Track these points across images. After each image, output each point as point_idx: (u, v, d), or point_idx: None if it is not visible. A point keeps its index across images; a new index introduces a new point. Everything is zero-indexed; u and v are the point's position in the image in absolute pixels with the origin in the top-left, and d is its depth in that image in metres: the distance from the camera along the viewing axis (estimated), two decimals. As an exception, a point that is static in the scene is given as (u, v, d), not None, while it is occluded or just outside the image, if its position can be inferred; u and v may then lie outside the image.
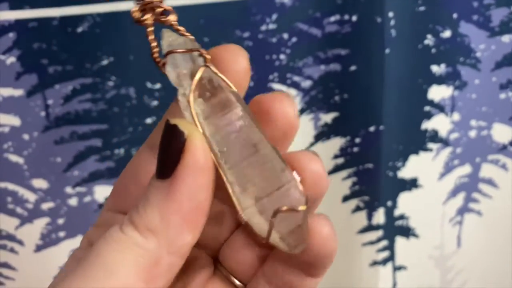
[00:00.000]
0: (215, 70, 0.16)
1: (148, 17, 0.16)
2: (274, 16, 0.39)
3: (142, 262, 0.14)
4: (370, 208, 0.45)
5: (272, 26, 0.39)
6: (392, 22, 0.40)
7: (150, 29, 0.17)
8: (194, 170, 0.15)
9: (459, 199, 0.48)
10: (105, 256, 0.14)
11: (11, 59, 0.37)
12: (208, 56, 0.16)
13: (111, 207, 0.18)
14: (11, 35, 0.36)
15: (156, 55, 0.17)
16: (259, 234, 0.16)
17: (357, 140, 0.43)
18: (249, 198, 0.16)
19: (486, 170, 0.47)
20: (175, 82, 0.16)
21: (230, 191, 0.16)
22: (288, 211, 0.16)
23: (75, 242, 0.41)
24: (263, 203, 0.16)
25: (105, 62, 0.37)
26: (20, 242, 0.40)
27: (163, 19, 0.17)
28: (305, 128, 0.44)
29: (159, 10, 0.16)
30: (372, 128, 0.43)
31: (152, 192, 0.15)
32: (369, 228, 0.45)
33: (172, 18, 0.17)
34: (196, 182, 0.15)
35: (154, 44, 0.17)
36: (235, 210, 0.16)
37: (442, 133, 0.45)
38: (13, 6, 0.35)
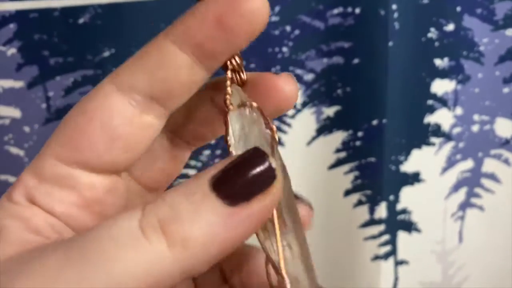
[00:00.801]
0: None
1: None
2: (277, 8, 0.39)
3: (155, 275, 0.12)
4: (372, 203, 0.45)
5: (274, 19, 0.39)
6: (396, 15, 0.40)
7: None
8: (264, 212, 0.13)
9: (461, 194, 0.47)
10: (110, 262, 0.12)
11: (11, 50, 0.36)
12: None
13: (63, 157, 0.15)
14: (12, 26, 0.36)
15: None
16: None
17: (360, 134, 0.43)
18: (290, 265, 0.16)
19: (489, 165, 0.47)
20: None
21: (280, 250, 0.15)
22: None
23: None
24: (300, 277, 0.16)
25: (106, 53, 0.37)
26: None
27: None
28: (307, 122, 0.43)
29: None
30: (375, 122, 0.42)
31: (206, 210, 0.13)
32: (371, 222, 0.45)
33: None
34: (255, 225, 0.13)
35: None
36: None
37: (445, 127, 0.45)
38: (14, -3, 0.35)
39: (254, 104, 0.16)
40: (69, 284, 0.12)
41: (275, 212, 0.15)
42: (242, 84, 0.17)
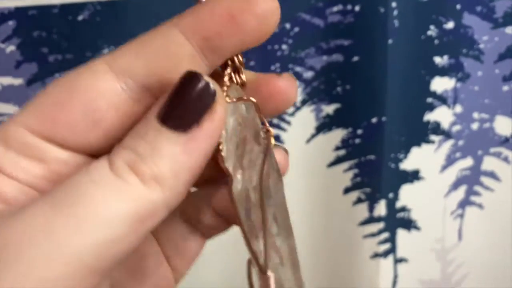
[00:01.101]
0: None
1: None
2: (276, 6, 0.39)
3: (141, 213, 0.13)
4: (372, 200, 0.45)
5: (274, 16, 0.39)
6: (395, 13, 0.40)
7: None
8: (216, 131, 0.14)
9: (461, 192, 0.47)
10: (97, 203, 0.13)
11: (10, 48, 0.36)
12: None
13: (34, 129, 0.14)
14: (11, 23, 0.36)
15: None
16: None
17: (359, 131, 0.43)
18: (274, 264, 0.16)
19: (488, 163, 0.47)
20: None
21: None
22: None
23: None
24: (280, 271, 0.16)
25: (105, 50, 0.37)
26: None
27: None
28: (306, 120, 0.43)
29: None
30: (374, 120, 0.42)
31: (164, 144, 0.13)
32: (371, 220, 0.45)
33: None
34: (212, 143, 0.14)
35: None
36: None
37: (444, 125, 0.45)
38: (13, -6, 0.35)
39: (253, 99, 0.16)
40: (60, 232, 0.12)
41: (262, 213, 0.16)
42: (241, 85, 0.16)
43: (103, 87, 0.14)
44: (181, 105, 0.14)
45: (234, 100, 0.16)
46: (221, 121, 0.14)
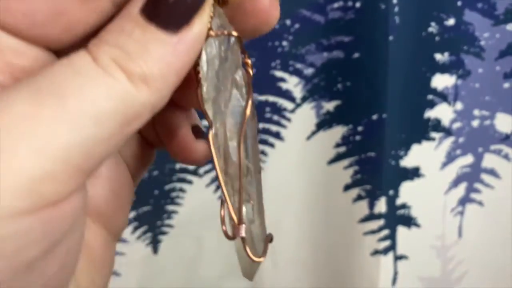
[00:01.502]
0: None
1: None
2: (277, 2, 0.39)
3: (129, 114, 0.12)
4: (372, 197, 0.45)
5: (274, 12, 0.39)
6: (396, 9, 0.39)
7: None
8: (203, 33, 0.13)
9: (461, 189, 0.47)
10: (86, 98, 0.12)
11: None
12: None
13: None
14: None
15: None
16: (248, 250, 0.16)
17: (360, 128, 0.43)
18: (248, 213, 0.16)
19: (489, 160, 0.47)
20: None
21: (225, 187, 0.16)
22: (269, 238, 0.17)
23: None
24: (255, 224, 0.16)
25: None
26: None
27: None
28: (307, 116, 0.43)
29: None
30: (375, 116, 0.42)
31: (153, 43, 0.13)
32: (371, 217, 0.45)
33: None
34: (198, 48, 0.13)
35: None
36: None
37: (445, 122, 0.45)
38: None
39: (235, 33, 0.15)
40: (48, 125, 0.12)
41: (241, 156, 0.15)
42: (224, 3, 0.15)
43: None
44: (174, 5, 0.13)
45: (219, 33, 0.15)
46: (207, 21, 0.13)
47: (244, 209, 0.16)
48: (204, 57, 0.15)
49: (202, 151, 0.17)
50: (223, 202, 0.16)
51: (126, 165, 0.18)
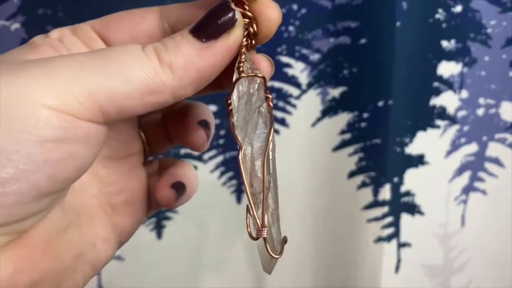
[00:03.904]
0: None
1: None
2: (284, -14, 0.39)
3: (151, 85, 0.17)
4: (376, 184, 0.45)
5: (281, -3, 0.39)
6: (404, -6, 0.39)
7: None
8: (230, 48, 0.18)
9: (465, 177, 0.47)
10: (124, 62, 0.17)
11: (15, 25, 0.36)
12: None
13: (96, 28, 0.21)
14: (16, 0, 0.35)
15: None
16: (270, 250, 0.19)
17: (365, 115, 0.43)
18: (268, 219, 0.20)
19: (493, 149, 0.47)
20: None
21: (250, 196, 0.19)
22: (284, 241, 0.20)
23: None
24: (274, 228, 0.20)
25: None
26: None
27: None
28: (312, 103, 0.43)
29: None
30: (381, 103, 0.42)
31: (185, 45, 0.18)
32: (375, 204, 0.45)
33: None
34: (223, 56, 0.18)
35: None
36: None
37: (450, 110, 0.44)
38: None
39: (260, 74, 0.19)
40: (89, 68, 0.17)
41: (265, 171, 0.19)
42: (254, 35, 0.19)
43: (149, 18, 0.21)
44: (209, 22, 0.18)
45: (248, 74, 0.19)
46: (233, 43, 0.18)
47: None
48: (235, 93, 0.19)
49: (204, 139, 0.23)
50: (248, 209, 0.19)
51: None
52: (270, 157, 0.19)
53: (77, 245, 0.20)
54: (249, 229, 0.19)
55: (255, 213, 0.19)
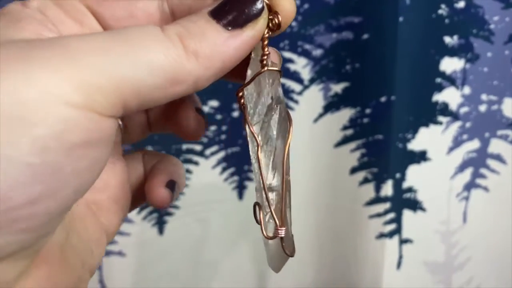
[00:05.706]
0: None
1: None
2: (287, -19, 0.38)
3: (176, 75, 0.15)
4: (379, 180, 0.45)
5: (284, -8, 0.38)
6: (407, -10, 0.39)
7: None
8: (255, 39, 0.17)
9: (467, 174, 0.47)
10: (149, 48, 0.15)
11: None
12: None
13: (88, 3, 0.18)
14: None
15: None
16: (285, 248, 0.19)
17: (368, 111, 0.43)
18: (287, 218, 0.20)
19: (495, 146, 0.47)
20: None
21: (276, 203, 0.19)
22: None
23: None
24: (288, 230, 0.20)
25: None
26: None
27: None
28: (314, 99, 0.43)
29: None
30: (383, 99, 0.42)
31: (212, 31, 0.16)
32: (377, 200, 0.45)
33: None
34: (248, 47, 0.17)
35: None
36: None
37: (452, 106, 0.44)
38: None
39: (277, 68, 0.19)
40: (114, 53, 0.14)
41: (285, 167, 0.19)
42: (277, 27, 0.18)
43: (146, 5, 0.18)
44: (235, 9, 0.17)
45: (273, 68, 0.19)
46: (259, 33, 0.17)
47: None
48: (252, 87, 0.19)
49: (201, 125, 0.22)
50: (260, 207, 0.19)
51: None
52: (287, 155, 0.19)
53: (80, 250, 0.18)
54: (262, 227, 0.19)
55: (272, 211, 0.19)
